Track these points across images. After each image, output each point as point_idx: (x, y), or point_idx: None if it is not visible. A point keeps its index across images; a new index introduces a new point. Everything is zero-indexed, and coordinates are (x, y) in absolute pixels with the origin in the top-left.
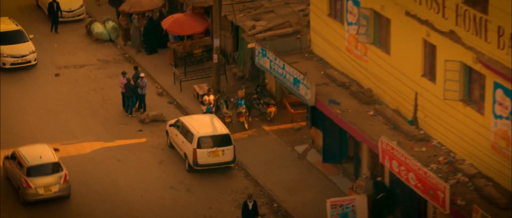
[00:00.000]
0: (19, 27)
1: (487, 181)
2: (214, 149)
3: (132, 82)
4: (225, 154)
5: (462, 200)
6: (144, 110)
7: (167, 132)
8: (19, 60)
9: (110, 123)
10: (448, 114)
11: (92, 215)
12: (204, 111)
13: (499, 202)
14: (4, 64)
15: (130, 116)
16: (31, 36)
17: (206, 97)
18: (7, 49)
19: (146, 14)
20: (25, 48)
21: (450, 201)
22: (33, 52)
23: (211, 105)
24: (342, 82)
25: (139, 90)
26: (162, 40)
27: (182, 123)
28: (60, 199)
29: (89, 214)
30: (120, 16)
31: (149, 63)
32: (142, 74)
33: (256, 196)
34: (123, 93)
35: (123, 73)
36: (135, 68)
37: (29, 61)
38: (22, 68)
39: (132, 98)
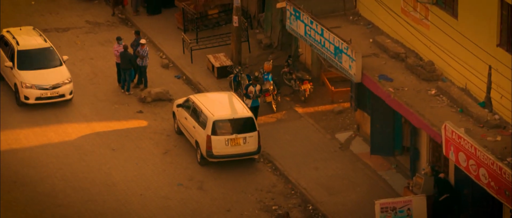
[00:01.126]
0: (48, 44)
1: None
2: (234, 136)
3: (130, 51)
4: (247, 143)
5: None
6: (145, 86)
7: (174, 114)
8: (49, 94)
9: (101, 102)
10: None
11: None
12: (249, 105)
13: None
14: (26, 98)
15: (127, 93)
16: (65, 57)
17: (251, 88)
18: (31, 76)
19: None
20: (57, 75)
21: None
22: (69, 81)
23: (259, 98)
24: (396, 53)
25: (138, 61)
26: None
27: (193, 102)
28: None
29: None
30: None
31: (151, 27)
32: (143, 41)
33: (286, 195)
34: (118, 65)
35: (119, 39)
36: (136, 33)
37: (63, 95)
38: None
39: (130, 71)
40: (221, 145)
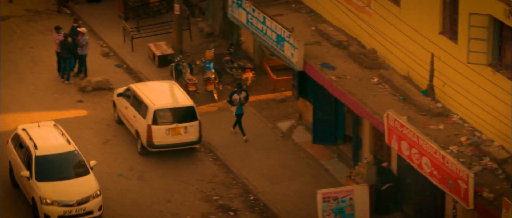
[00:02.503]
0: (72, 147)
1: None
2: (175, 125)
3: (69, 39)
4: (188, 132)
5: (490, 192)
6: (85, 75)
7: (114, 103)
8: (74, 211)
9: (41, 91)
10: (472, 82)
11: (17, 209)
12: (234, 112)
13: None
14: (47, 216)
15: (67, 82)
16: (92, 162)
17: (236, 95)
18: (52, 190)
19: None
20: (83, 188)
21: (474, 194)
22: (98, 194)
23: (242, 105)
24: (339, 41)
25: (78, 50)
26: None
27: (134, 91)
28: None
29: (14, 209)
30: None
31: (91, 15)
32: (82, 29)
33: (227, 185)
34: (58, 54)
35: (57, 28)
36: (75, 21)
37: (91, 212)
38: None
39: (70, 60)
40: (162, 135)
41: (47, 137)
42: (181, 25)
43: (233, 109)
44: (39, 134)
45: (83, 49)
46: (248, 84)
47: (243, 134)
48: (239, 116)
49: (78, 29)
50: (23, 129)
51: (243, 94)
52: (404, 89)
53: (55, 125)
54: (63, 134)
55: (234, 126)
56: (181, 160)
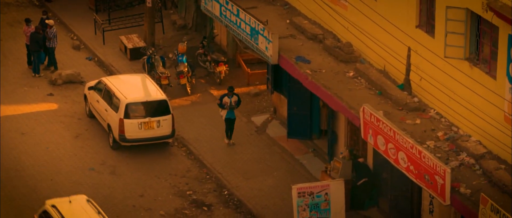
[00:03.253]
0: None
1: (498, 163)
2: (147, 119)
3: (40, 32)
4: (161, 126)
5: (467, 187)
6: (55, 68)
7: (85, 96)
8: None
9: (10, 85)
10: (449, 76)
11: None
12: (224, 117)
13: None
14: None
15: (37, 75)
16: None
17: (226, 99)
18: None
19: None
20: None
21: (451, 189)
22: None
23: (233, 109)
24: (314, 35)
25: (47, 43)
26: None
27: (105, 85)
28: None
29: None
30: None
31: (62, 8)
32: (49, 22)
33: (201, 180)
34: (28, 46)
35: (27, 21)
36: (44, 13)
37: None
38: None
39: (39, 53)
40: (134, 129)
41: (80, 215)
42: (153, 18)
43: (223, 113)
44: (70, 212)
45: (51, 42)
46: (222, 78)
47: (229, 138)
48: (229, 121)
49: (46, 21)
50: (53, 206)
51: (235, 98)
52: (380, 84)
53: (88, 201)
54: (99, 212)
55: (227, 133)
56: (154, 154)
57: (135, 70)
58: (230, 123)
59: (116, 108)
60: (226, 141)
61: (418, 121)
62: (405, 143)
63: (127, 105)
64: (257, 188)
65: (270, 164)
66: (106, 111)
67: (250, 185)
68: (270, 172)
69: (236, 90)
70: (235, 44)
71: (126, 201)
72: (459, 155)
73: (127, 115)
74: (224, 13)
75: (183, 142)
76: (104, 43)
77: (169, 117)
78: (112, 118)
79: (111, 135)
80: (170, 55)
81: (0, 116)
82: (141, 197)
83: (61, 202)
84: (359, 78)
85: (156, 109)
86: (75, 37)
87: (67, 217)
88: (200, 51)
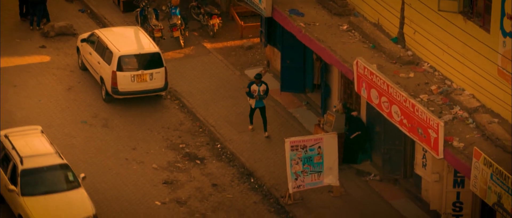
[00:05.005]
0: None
1: (491, 117)
2: (140, 72)
3: None
4: (154, 79)
5: (460, 141)
6: (48, 20)
7: (78, 49)
8: None
9: (2, 37)
10: (443, 29)
11: None
12: (253, 106)
13: (506, 144)
14: None
15: (37, 28)
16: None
17: (255, 86)
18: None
19: None
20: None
21: (444, 143)
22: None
23: (262, 98)
24: None
25: None
26: None
27: (98, 37)
28: None
29: None
30: None
31: None
32: None
33: (194, 133)
34: None
35: None
36: None
37: None
38: None
39: (40, 5)
40: (127, 81)
41: (32, 143)
42: None
43: (252, 102)
44: (23, 140)
45: None
46: (215, 30)
47: (265, 130)
48: (260, 109)
49: None
50: (6, 136)
51: (263, 86)
52: (374, 37)
53: (42, 132)
54: (51, 143)
55: (251, 120)
56: (147, 107)
57: (128, 22)
58: (261, 112)
59: (109, 61)
60: (250, 127)
61: (411, 75)
62: (398, 97)
63: (120, 58)
64: (250, 141)
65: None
66: (99, 63)
67: (243, 138)
68: (263, 125)
69: (230, 43)
70: None
71: (119, 154)
72: (452, 109)
73: (120, 68)
74: None
75: (176, 94)
76: None
77: (162, 69)
78: (104, 70)
79: (104, 87)
80: (163, 8)
81: None
82: (134, 150)
83: (14, 132)
84: (353, 31)
85: (149, 61)
86: None
87: (18, 146)
88: (194, 3)
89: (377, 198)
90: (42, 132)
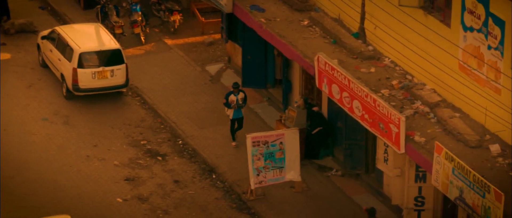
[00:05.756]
0: None
1: (453, 111)
2: (101, 68)
3: None
4: (115, 76)
5: (421, 135)
6: (8, 18)
7: (38, 46)
8: None
9: None
10: (404, 24)
11: None
12: (231, 117)
13: (468, 139)
14: None
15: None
16: None
17: (232, 97)
18: None
19: None
20: None
21: (405, 137)
22: None
23: (241, 107)
24: None
25: None
26: None
27: (59, 34)
28: None
29: None
30: None
31: None
32: None
33: (155, 130)
34: None
35: None
36: None
37: None
38: None
39: (1, 3)
40: (88, 78)
41: None
42: None
43: (230, 113)
44: None
45: None
46: (176, 27)
47: (233, 139)
48: (238, 120)
49: None
50: None
51: (241, 95)
52: (334, 32)
53: None
54: None
55: (233, 135)
56: (108, 104)
57: (89, 19)
58: (239, 122)
59: (69, 57)
60: (233, 144)
61: (372, 69)
62: (359, 92)
63: (80, 55)
64: (212, 137)
65: (224, 113)
66: (60, 60)
67: (204, 134)
68: (224, 121)
69: (191, 39)
70: None
71: (80, 151)
72: (413, 103)
73: (80, 64)
74: None
75: (137, 91)
76: None
77: (123, 66)
78: (65, 67)
79: (65, 84)
80: (124, 4)
81: None
82: (95, 147)
83: None
84: (314, 27)
85: (109, 58)
86: None
87: None
88: (154, 0)
89: (339, 193)
90: None
